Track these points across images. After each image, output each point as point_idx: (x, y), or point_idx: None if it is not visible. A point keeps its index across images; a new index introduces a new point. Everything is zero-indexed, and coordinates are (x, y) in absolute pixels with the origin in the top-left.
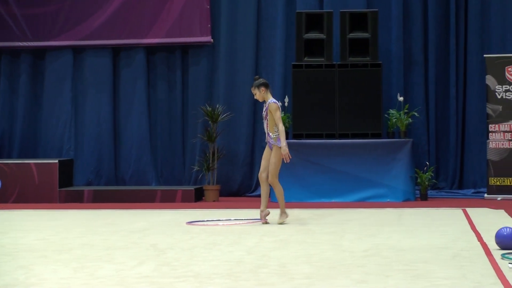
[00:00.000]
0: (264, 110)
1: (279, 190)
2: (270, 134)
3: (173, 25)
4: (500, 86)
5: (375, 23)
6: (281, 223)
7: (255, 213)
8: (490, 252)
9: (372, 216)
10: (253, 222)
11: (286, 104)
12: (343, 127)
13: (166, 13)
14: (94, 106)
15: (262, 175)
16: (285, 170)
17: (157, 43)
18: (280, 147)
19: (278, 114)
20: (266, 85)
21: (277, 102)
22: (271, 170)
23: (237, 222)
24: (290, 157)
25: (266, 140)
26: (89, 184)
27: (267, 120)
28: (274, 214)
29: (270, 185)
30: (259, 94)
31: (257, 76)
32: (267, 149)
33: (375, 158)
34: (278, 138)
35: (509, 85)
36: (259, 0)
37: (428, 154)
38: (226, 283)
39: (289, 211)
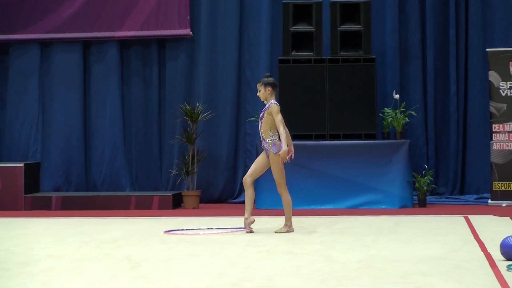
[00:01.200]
0: (262, 110)
1: (286, 199)
2: (265, 138)
3: (149, 17)
4: (505, 82)
5: (368, 14)
6: (278, 232)
7: (238, 221)
8: (495, 263)
9: (366, 224)
10: (237, 231)
11: None
12: (334, 127)
13: (142, 4)
14: (62, 104)
15: (247, 179)
16: (271, 174)
17: (131, 36)
18: (276, 153)
19: (280, 117)
20: (273, 86)
21: (278, 104)
22: (276, 180)
23: (219, 231)
24: (286, 161)
25: (262, 146)
26: (57, 189)
27: (262, 122)
28: (260, 222)
29: (253, 191)
30: (263, 92)
31: (268, 74)
32: (262, 155)
33: (369, 161)
34: (273, 143)
35: None
36: None
37: (426, 157)
38: None
39: (274, 219)
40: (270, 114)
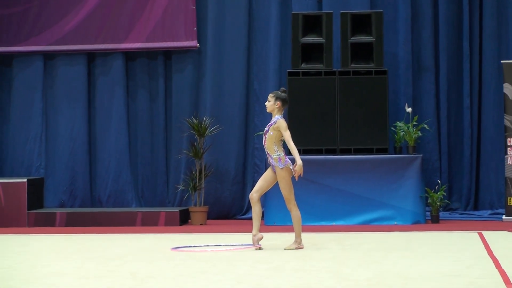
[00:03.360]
0: (268, 125)
1: (295, 215)
2: (270, 153)
3: (155, 28)
4: None
5: (380, 25)
6: (287, 249)
7: (247, 237)
8: (509, 280)
9: (377, 241)
10: (245, 247)
11: None
12: (344, 141)
13: (147, 15)
14: (67, 118)
15: (253, 195)
16: (280, 190)
17: (137, 48)
18: (282, 169)
19: (289, 133)
20: (284, 103)
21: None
22: (285, 196)
23: (227, 247)
24: (299, 176)
25: (268, 162)
26: (61, 205)
27: (266, 137)
28: (268, 238)
29: (260, 208)
30: (272, 104)
31: (284, 89)
32: (269, 170)
33: (381, 176)
34: (279, 159)
35: None
36: (251, 0)
37: (439, 172)
38: None
39: (283, 235)
40: (277, 130)
